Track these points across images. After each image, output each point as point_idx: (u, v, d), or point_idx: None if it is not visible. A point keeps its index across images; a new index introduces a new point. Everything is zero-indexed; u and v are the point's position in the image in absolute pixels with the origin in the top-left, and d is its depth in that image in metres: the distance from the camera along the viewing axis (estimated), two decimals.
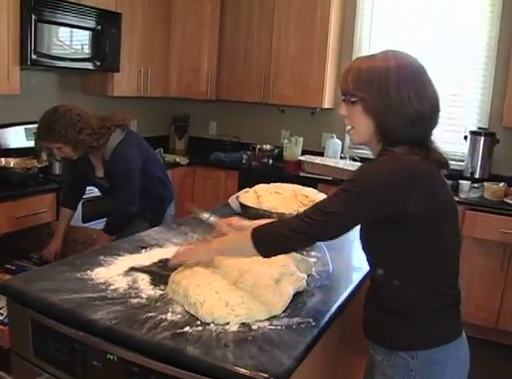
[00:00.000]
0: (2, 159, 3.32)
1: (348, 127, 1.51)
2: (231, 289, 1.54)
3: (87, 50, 3.71)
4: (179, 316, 1.49)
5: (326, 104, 4.49)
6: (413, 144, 1.43)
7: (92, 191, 3.30)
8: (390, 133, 1.43)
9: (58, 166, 3.48)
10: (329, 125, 4.73)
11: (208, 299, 1.48)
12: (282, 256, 1.69)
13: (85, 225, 3.46)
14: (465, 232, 3.73)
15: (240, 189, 3.74)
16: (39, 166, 3.31)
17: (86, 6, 3.59)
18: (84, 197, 3.33)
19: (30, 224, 3.17)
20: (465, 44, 4.26)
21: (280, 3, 4.52)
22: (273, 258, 1.56)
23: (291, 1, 4.48)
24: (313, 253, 2.12)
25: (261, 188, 2.34)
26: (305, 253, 2.11)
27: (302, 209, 2.20)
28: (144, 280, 1.74)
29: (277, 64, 4.59)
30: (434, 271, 1.47)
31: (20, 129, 3.66)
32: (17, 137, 3.63)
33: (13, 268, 2.88)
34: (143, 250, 2.04)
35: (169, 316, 1.49)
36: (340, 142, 4.56)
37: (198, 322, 1.45)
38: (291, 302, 1.61)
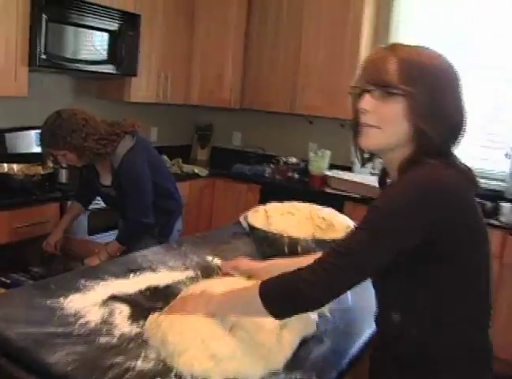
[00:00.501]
0: (5, 165, 3.12)
1: (373, 128, 1.20)
2: (224, 337, 1.25)
3: (102, 52, 3.50)
4: (151, 364, 1.22)
5: None
6: (447, 157, 1.17)
7: (100, 202, 3.07)
8: (427, 141, 1.15)
9: (65, 174, 3.27)
10: None
11: (190, 349, 1.20)
12: None
13: (91, 237, 3.23)
14: (506, 260, 3.38)
15: (262, 203, 3.49)
16: (42, 173, 3.10)
17: (102, 6, 3.39)
18: (90, 207, 3.13)
19: (30, 235, 2.95)
20: (507, 52, 3.90)
21: (310, 7, 4.24)
22: None
23: (321, 5, 4.20)
24: None
25: (272, 207, 2.06)
26: None
27: (318, 234, 1.93)
28: (122, 313, 1.47)
29: (306, 72, 4.30)
30: (465, 313, 1.18)
31: (31, 134, 3.48)
32: (27, 142, 3.45)
33: (8, 281, 2.68)
34: (131, 274, 1.78)
35: (139, 363, 1.22)
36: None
37: (173, 374, 1.18)
38: None
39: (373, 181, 3.88)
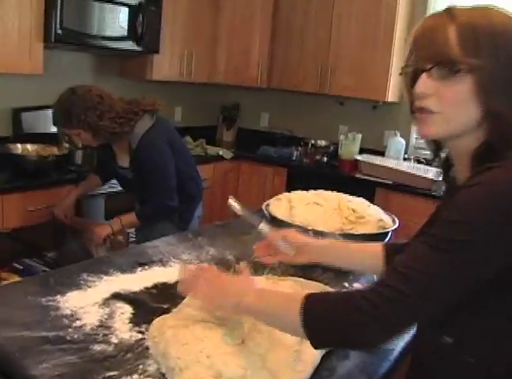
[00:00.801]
0: (19, 146, 2.99)
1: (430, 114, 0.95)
2: (233, 352, 1.06)
3: (122, 28, 3.33)
4: None
5: (390, 97, 3.94)
6: None
7: (117, 185, 2.93)
8: (503, 125, 0.92)
9: (80, 156, 3.13)
10: (392, 121, 4.18)
11: (192, 366, 1.02)
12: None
13: (107, 222, 3.09)
14: None
15: (288, 188, 3.31)
16: (57, 154, 2.96)
17: None
18: (108, 191, 2.99)
19: (44, 219, 2.82)
20: None
21: None
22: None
23: None
24: (356, 286, 1.64)
25: (297, 196, 1.86)
26: (347, 284, 1.64)
27: (347, 227, 1.74)
28: (123, 315, 1.31)
29: (337, 50, 4.06)
30: None
31: (48, 114, 3.32)
32: (44, 122, 3.31)
33: (21, 267, 2.56)
34: (139, 268, 1.62)
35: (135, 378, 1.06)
36: (403, 141, 4.00)
37: None
38: None
39: (407, 167, 3.66)
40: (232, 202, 1.55)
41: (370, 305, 0.89)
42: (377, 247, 1.35)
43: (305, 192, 1.90)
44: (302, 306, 0.96)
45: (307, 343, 1.11)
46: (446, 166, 1.08)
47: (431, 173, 3.56)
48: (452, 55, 0.91)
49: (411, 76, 0.98)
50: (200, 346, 1.06)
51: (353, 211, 1.75)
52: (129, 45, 3.42)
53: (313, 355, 1.13)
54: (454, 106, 0.93)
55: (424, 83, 0.94)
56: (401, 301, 0.88)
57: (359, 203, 1.84)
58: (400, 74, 1.01)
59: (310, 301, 0.97)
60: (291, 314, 0.98)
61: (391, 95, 3.94)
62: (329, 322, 0.94)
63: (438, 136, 0.99)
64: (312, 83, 4.20)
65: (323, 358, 1.16)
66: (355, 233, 1.69)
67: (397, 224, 1.78)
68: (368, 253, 1.36)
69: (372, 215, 1.75)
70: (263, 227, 1.50)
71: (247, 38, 4.30)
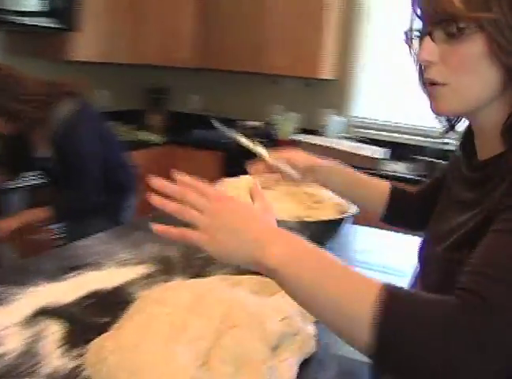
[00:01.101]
0: None
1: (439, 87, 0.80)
2: (197, 377, 0.86)
3: (39, 2, 3.01)
4: None
5: (325, 74, 3.81)
6: None
7: (34, 178, 2.65)
8: None
9: None
10: (330, 100, 4.05)
11: None
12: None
13: None
14: None
15: (226, 173, 3.12)
16: None
17: None
18: (27, 184, 2.70)
19: None
20: None
21: None
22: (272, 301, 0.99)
23: None
24: None
25: (244, 180, 1.68)
26: None
27: (303, 213, 1.58)
28: (53, 336, 1.08)
29: (270, 27, 3.87)
30: None
31: None
32: None
33: None
34: (70, 274, 1.39)
35: None
36: (342, 119, 3.90)
37: None
38: None
39: (348, 146, 3.55)
40: (214, 121, 1.48)
41: (457, 314, 0.63)
42: (384, 184, 1.29)
43: (248, 176, 1.71)
44: (378, 298, 0.65)
45: (281, 356, 0.95)
46: (466, 140, 0.93)
47: (372, 151, 3.49)
48: (454, 11, 0.74)
49: (416, 44, 0.83)
50: (154, 372, 0.86)
51: (309, 196, 1.59)
52: (47, 21, 3.10)
53: (289, 369, 0.95)
54: (464, 74, 0.77)
55: (427, 49, 0.79)
56: (494, 314, 0.62)
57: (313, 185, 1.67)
58: (406, 43, 0.85)
59: (391, 294, 0.66)
60: (354, 305, 0.66)
61: (326, 73, 3.82)
62: (406, 334, 0.64)
63: (451, 112, 0.84)
64: (244, 62, 4.01)
65: (299, 372, 0.99)
66: (314, 220, 1.53)
67: (355, 207, 1.63)
68: (374, 188, 1.30)
69: (331, 199, 1.59)
70: (259, 149, 1.39)
71: (176, 16, 4.03)
